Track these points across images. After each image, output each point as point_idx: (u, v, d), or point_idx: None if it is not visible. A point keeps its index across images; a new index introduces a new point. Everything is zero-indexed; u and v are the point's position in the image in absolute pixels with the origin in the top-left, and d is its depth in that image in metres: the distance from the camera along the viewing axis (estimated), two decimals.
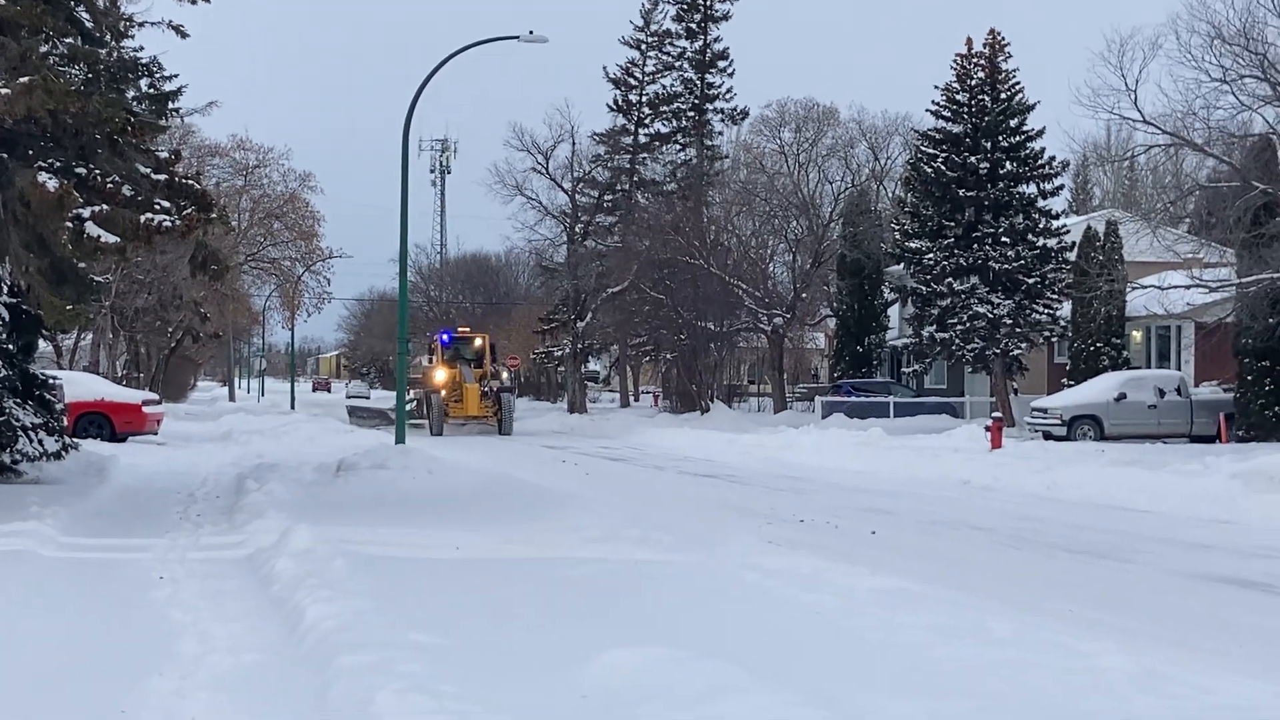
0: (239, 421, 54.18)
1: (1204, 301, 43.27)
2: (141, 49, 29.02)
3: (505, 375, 58.81)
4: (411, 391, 65.88)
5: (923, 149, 55.88)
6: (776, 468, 32.94)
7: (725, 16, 76.12)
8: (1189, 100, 37.93)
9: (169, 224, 20.94)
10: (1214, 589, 14.13)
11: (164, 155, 23.26)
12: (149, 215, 20.75)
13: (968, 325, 51.80)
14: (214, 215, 23.30)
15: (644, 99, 79.03)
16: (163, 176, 21.74)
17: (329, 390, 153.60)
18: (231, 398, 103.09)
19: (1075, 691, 8.55)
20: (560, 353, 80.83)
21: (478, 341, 58.05)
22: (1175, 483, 24.45)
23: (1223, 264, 42.97)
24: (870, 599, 11.88)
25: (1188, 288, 40.58)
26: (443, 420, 51.98)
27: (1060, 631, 10.64)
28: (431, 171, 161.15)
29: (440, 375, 54.12)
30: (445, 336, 57.16)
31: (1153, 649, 10.03)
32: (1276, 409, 40.05)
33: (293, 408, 78.67)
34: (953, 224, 52.61)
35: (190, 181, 22.80)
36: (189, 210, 21.50)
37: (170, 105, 29.74)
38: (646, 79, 79.23)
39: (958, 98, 54.00)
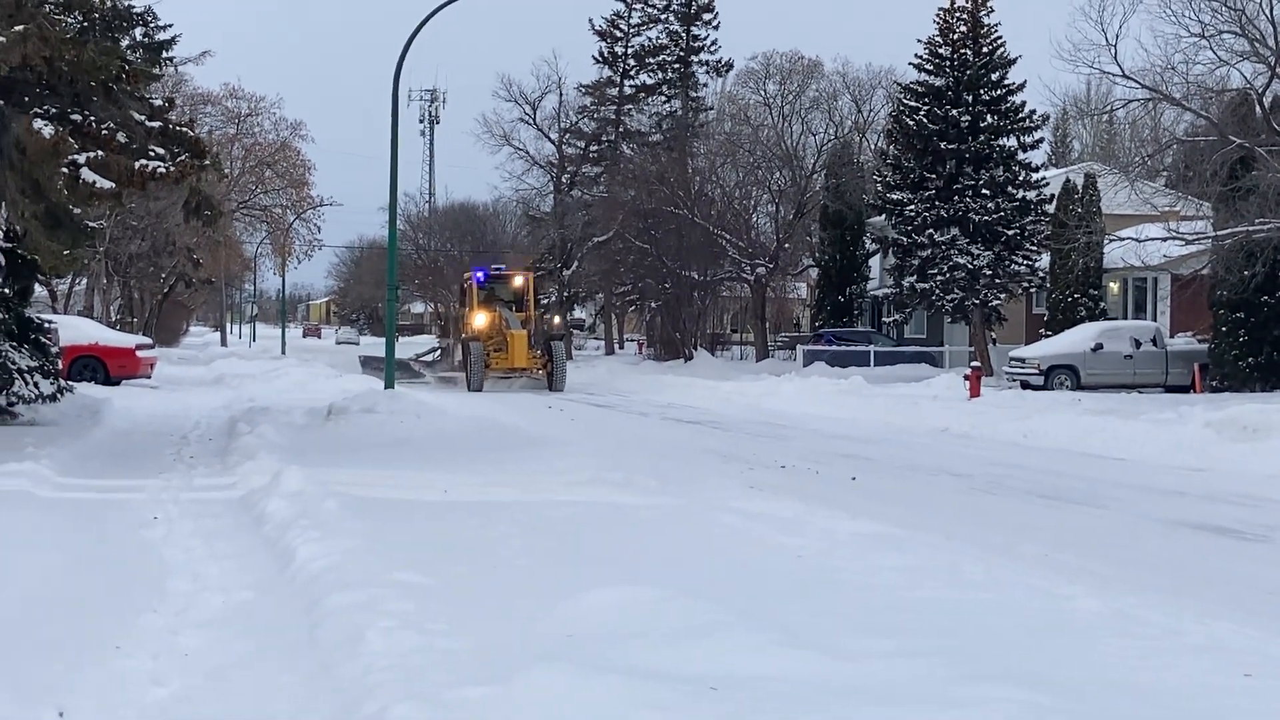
0: (231, 366, 54.19)
1: (1180, 254, 43.34)
2: None
3: (556, 320, 51.15)
4: (437, 340, 64.78)
5: (905, 102, 55.82)
6: (758, 415, 33.01)
7: None
8: (1168, 55, 37.94)
9: (163, 170, 20.91)
10: (1186, 535, 14.22)
11: (158, 103, 23.14)
12: (143, 161, 20.70)
13: (948, 276, 51.87)
14: (207, 162, 23.27)
15: (630, 51, 78.86)
16: (157, 124, 21.67)
17: (319, 336, 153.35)
18: (224, 343, 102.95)
19: (1047, 631, 8.62)
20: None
21: (518, 280, 48.52)
22: (1150, 431, 24.55)
23: (1199, 217, 43.01)
24: (849, 542, 11.95)
25: (1164, 240, 40.64)
26: (484, 373, 42.69)
27: (1034, 575, 10.72)
28: (420, 121, 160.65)
29: (480, 320, 44.96)
30: (480, 274, 47.67)
31: (1124, 592, 10.10)
32: (1250, 360, 40.20)
33: (284, 353, 78.58)
34: (934, 176, 52.63)
35: (184, 129, 22.73)
36: (182, 157, 21.47)
37: (164, 54, 29.62)
38: (632, 31, 79.02)
39: (940, 51, 53.93)
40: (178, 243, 63.68)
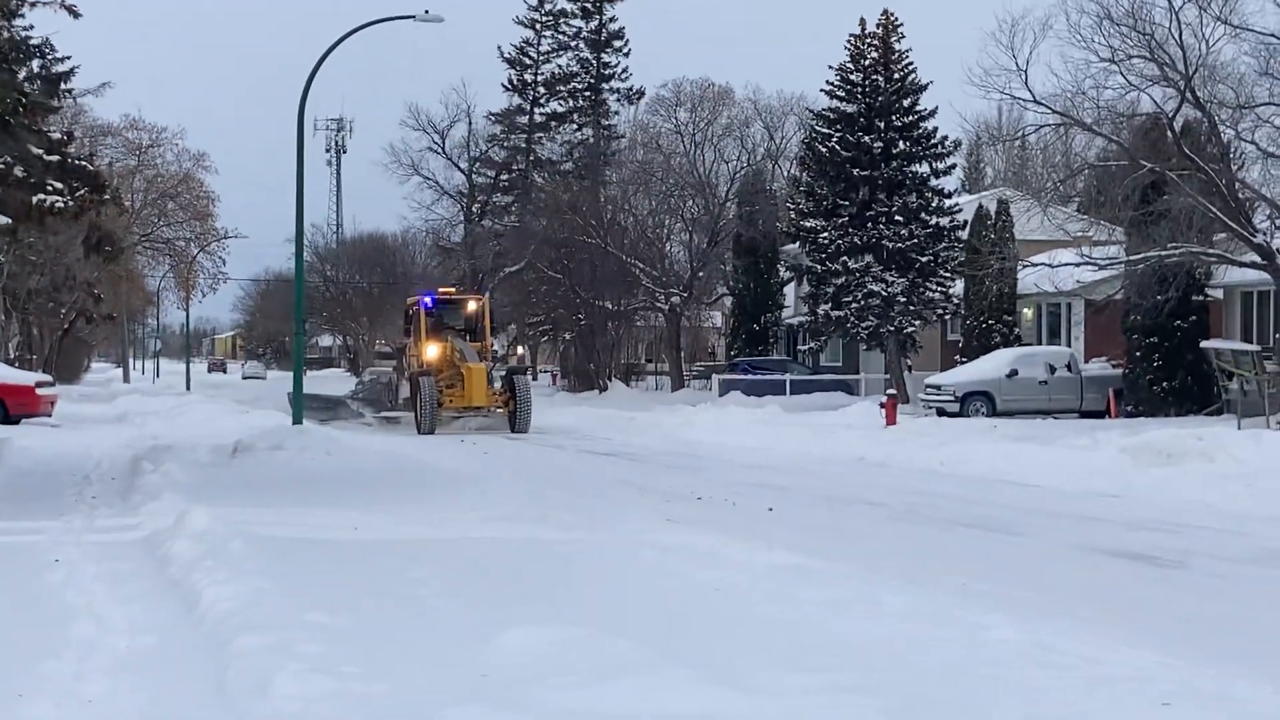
0: (134, 403, 53.61)
1: (1093, 279, 43.78)
2: (32, 28, 28.52)
3: (520, 350, 47.78)
4: (375, 374, 61.58)
5: (817, 128, 56.18)
6: (674, 445, 33.01)
7: None
8: (1079, 80, 38.36)
9: (61, 205, 20.74)
10: (1103, 561, 14.33)
11: (56, 136, 22.98)
12: (41, 196, 20.53)
13: (862, 303, 52.15)
14: (107, 196, 23.12)
15: (540, 79, 79.04)
16: (55, 158, 21.51)
17: (225, 371, 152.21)
18: (126, 379, 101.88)
19: (968, 663, 8.66)
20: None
21: (471, 305, 43.68)
22: (1066, 457, 24.76)
23: (1112, 242, 43.58)
24: (767, 575, 11.96)
25: (1077, 265, 41.06)
26: (436, 413, 38.13)
27: (953, 604, 10.76)
28: (327, 151, 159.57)
29: (432, 351, 40.27)
30: (428, 299, 42.60)
31: (1043, 621, 10.15)
32: (1164, 384, 40.67)
33: (189, 389, 77.90)
34: (847, 203, 52.94)
35: (83, 163, 22.58)
36: (82, 191, 21.31)
37: (63, 86, 29.26)
38: (542, 58, 79.22)
39: (852, 78, 54.33)
40: (78, 278, 62.99)
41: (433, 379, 38.36)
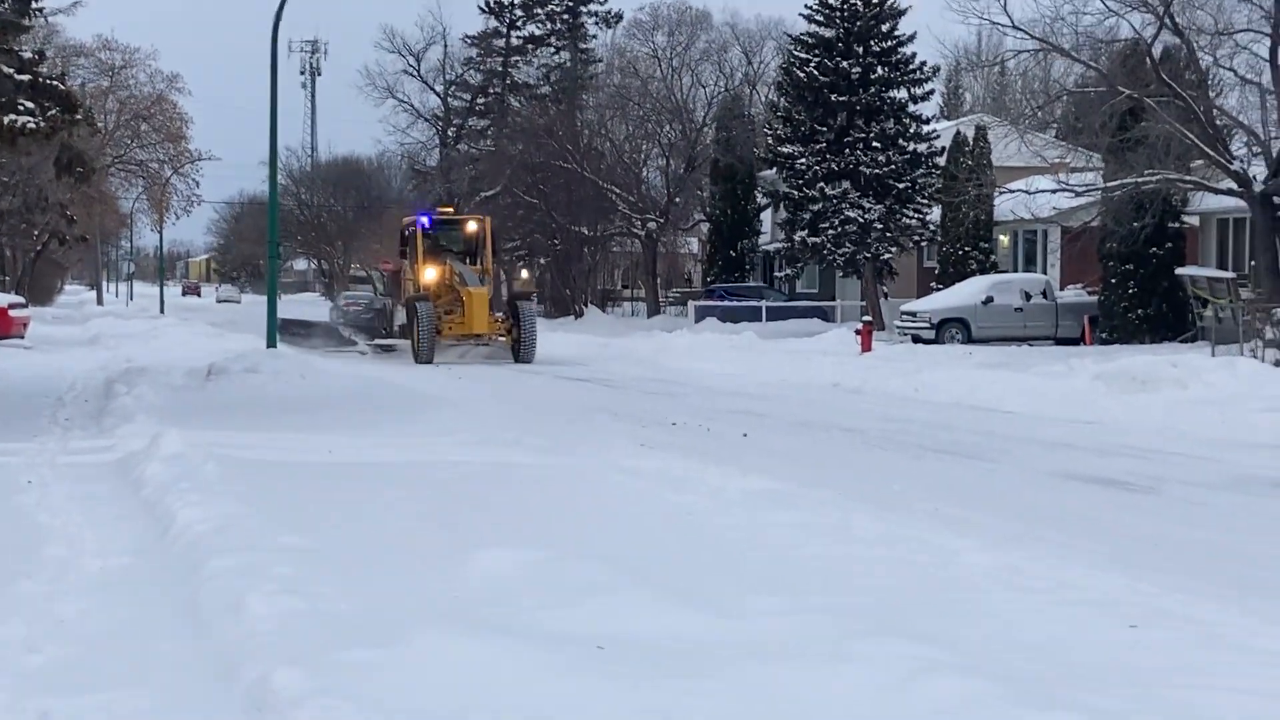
0: (107, 325, 53.44)
1: (1070, 206, 43.78)
2: None
3: (524, 274, 44.21)
4: (353, 298, 59.45)
5: (795, 54, 55.85)
6: (650, 371, 33.02)
7: None
8: (1058, 6, 38.24)
9: (33, 125, 20.59)
10: (1076, 487, 14.41)
11: (27, 56, 22.73)
12: (12, 117, 20.38)
13: (839, 230, 52.06)
14: (79, 117, 22.92)
15: (517, 1, 78.37)
16: (26, 77, 21.31)
17: (199, 294, 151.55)
18: (100, 302, 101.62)
19: (938, 586, 8.74)
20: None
21: (471, 226, 40.57)
22: (1040, 384, 24.85)
23: (1089, 169, 43.50)
24: (740, 499, 12.02)
25: (1054, 192, 41.07)
26: (434, 341, 35.57)
27: (925, 529, 10.84)
28: (301, 74, 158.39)
29: (430, 274, 37.39)
30: (425, 220, 39.74)
31: (1014, 545, 10.22)
32: (1139, 312, 40.77)
33: (162, 312, 77.68)
34: (825, 129, 52.74)
35: (55, 82, 22.38)
36: (53, 112, 21.14)
37: (33, 4, 29.01)
38: None
39: (830, 1, 53.98)
40: (50, 199, 62.50)
41: (430, 305, 35.81)
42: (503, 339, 36.99)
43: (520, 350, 36.15)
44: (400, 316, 38.61)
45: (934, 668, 6.56)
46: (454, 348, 36.52)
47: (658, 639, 7.15)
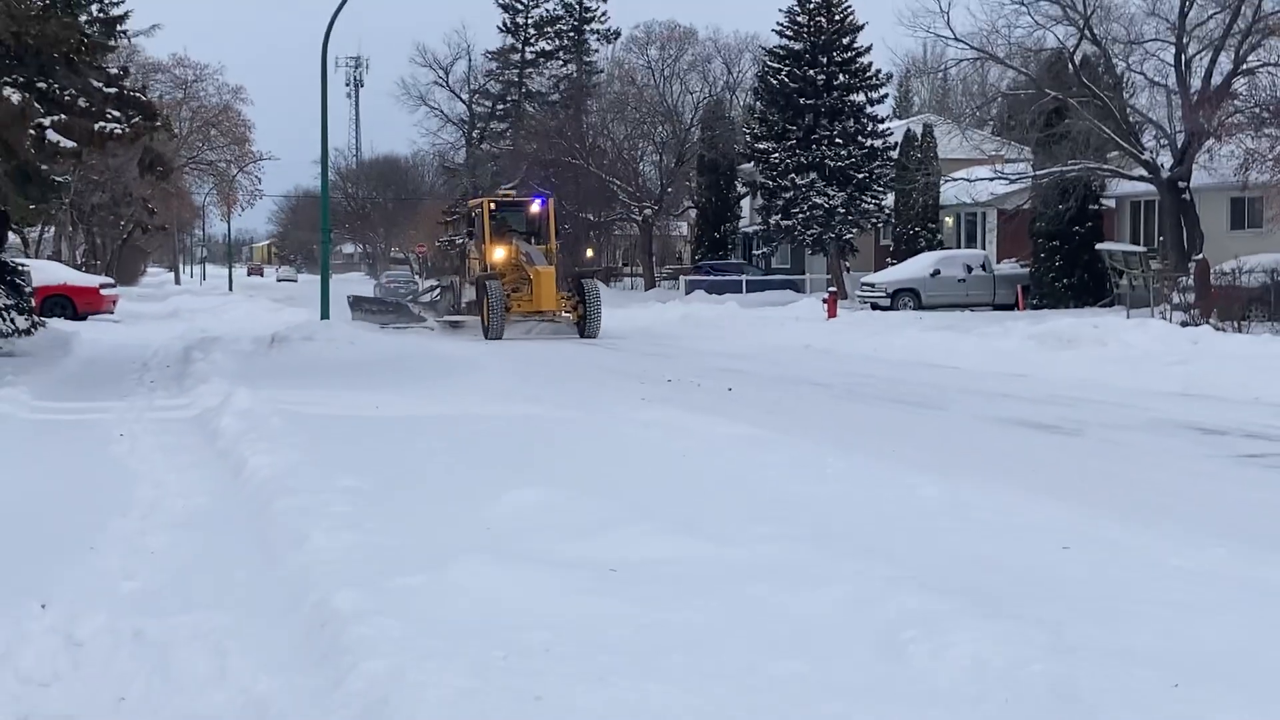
0: (184, 302, 53.36)
1: (1005, 191, 43.81)
2: None
3: (589, 252, 38.00)
4: (392, 277, 56.73)
5: (769, 64, 55.68)
6: (647, 337, 32.93)
7: None
8: (993, 20, 38.48)
9: (119, 131, 20.55)
10: (1013, 430, 14.39)
11: (114, 71, 22.70)
12: (102, 124, 20.33)
13: (807, 214, 51.96)
14: (158, 124, 22.87)
15: (530, 21, 78.23)
16: (113, 90, 21.29)
17: (262, 275, 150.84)
18: (177, 282, 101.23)
19: (899, 516, 8.72)
20: (461, 241, 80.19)
21: (534, 208, 36.22)
22: (981, 344, 24.83)
23: (1021, 160, 43.55)
24: (728, 444, 12.00)
25: (991, 180, 41.22)
26: (504, 318, 32.34)
27: (886, 468, 10.82)
28: (347, 85, 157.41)
29: (499, 254, 33.95)
30: (492, 203, 36.25)
31: (961, 480, 10.20)
32: (1065, 281, 40.86)
33: (231, 290, 77.54)
34: (795, 128, 52.60)
35: (137, 94, 22.34)
36: (136, 119, 21.10)
37: (118, 27, 28.88)
38: (531, 3, 78.26)
39: (798, 19, 53.79)
40: (134, 194, 62.52)
41: (500, 283, 32.57)
42: (568, 316, 33.51)
43: (585, 326, 32.93)
44: (468, 294, 35.69)
45: (898, 584, 6.55)
46: (520, 324, 33.48)
47: (662, 563, 7.14)
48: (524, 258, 33.45)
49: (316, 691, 5.41)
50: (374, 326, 34.28)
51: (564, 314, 33.41)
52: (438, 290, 38.80)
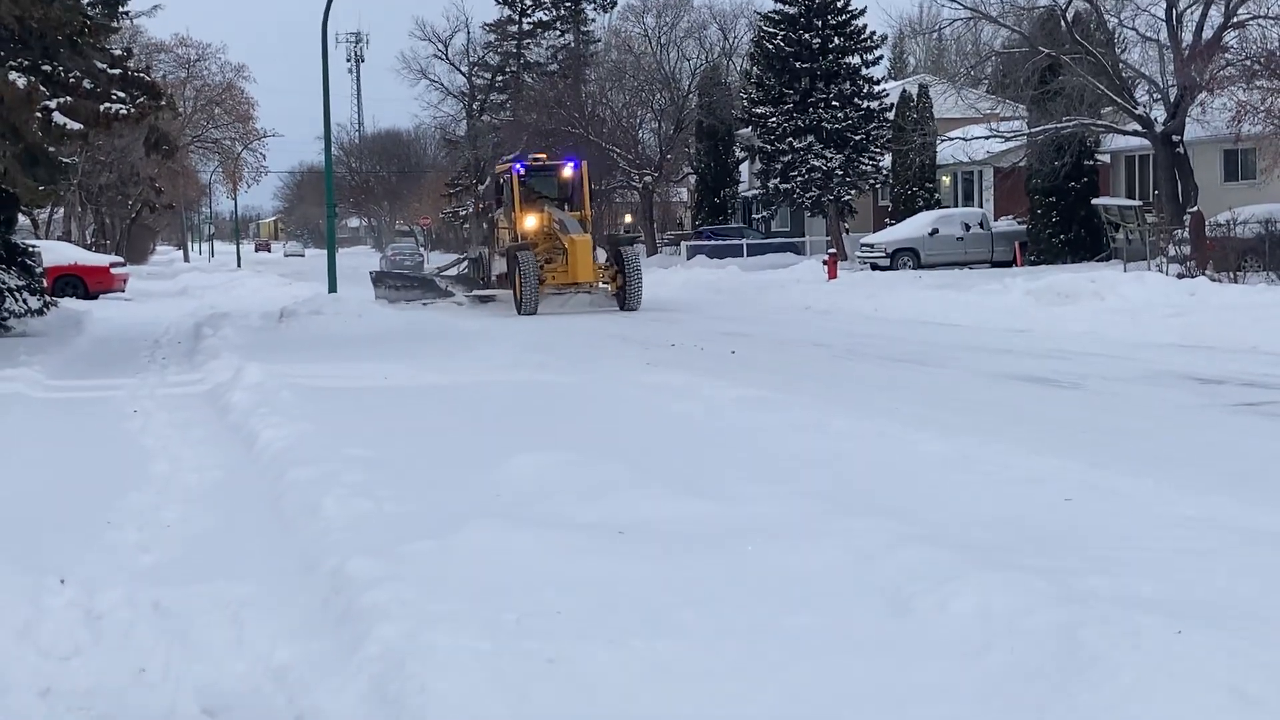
0: (193, 279, 53.40)
1: (1001, 150, 43.60)
2: None
3: (628, 218, 33.17)
4: (398, 249, 55.28)
5: (764, 28, 55.37)
6: (650, 301, 32.78)
7: None
8: None
9: (124, 112, 20.51)
10: (1013, 386, 14.37)
11: (118, 53, 22.63)
12: (107, 105, 20.30)
13: (806, 177, 51.78)
14: (163, 103, 22.82)
15: None
16: (117, 71, 21.24)
17: (269, 250, 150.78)
18: (186, 259, 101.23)
19: (902, 472, 8.72)
20: (464, 212, 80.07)
21: (566, 172, 32.71)
22: (980, 301, 24.79)
23: (1016, 117, 43.27)
24: (732, 405, 12.00)
25: (987, 138, 40.96)
26: (538, 291, 29.27)
27: (888, 425, 10.81)
28: (348, 60, 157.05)
29: (530, 222, 30.85)
30: (520, 166, 32.45)
31: (963, 435, 10.19)
32: (1061, 237, 40.75)
33: (239, 266, 77.49)
34: (791, 92, 52.34)
35: (141, 75, 22.28)
36: (141, 99, 21.06)
37: (120, 9, 28.77)
38: None
39: None
40: (141, 174, 62.51)
41: (532, 254, 29.44)
42: (606, 286, 30.51)
43: (626, 299, 29.87)
44: (498, 266, 32.34)
45: (903, 539, 6.55)
46: (555, 297, 30.27)
47: (668, 523, 7.14)
48: (557, 225, 30.28)
49: (333, 657, 5.43)
50: (399, 304, 32.10)
51: (602, 284, 30.58)
52: (465, 263, 36.33)
